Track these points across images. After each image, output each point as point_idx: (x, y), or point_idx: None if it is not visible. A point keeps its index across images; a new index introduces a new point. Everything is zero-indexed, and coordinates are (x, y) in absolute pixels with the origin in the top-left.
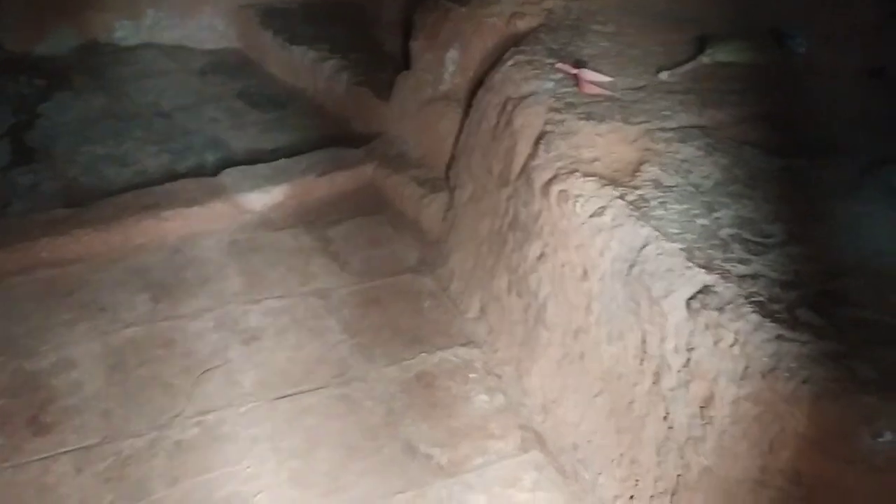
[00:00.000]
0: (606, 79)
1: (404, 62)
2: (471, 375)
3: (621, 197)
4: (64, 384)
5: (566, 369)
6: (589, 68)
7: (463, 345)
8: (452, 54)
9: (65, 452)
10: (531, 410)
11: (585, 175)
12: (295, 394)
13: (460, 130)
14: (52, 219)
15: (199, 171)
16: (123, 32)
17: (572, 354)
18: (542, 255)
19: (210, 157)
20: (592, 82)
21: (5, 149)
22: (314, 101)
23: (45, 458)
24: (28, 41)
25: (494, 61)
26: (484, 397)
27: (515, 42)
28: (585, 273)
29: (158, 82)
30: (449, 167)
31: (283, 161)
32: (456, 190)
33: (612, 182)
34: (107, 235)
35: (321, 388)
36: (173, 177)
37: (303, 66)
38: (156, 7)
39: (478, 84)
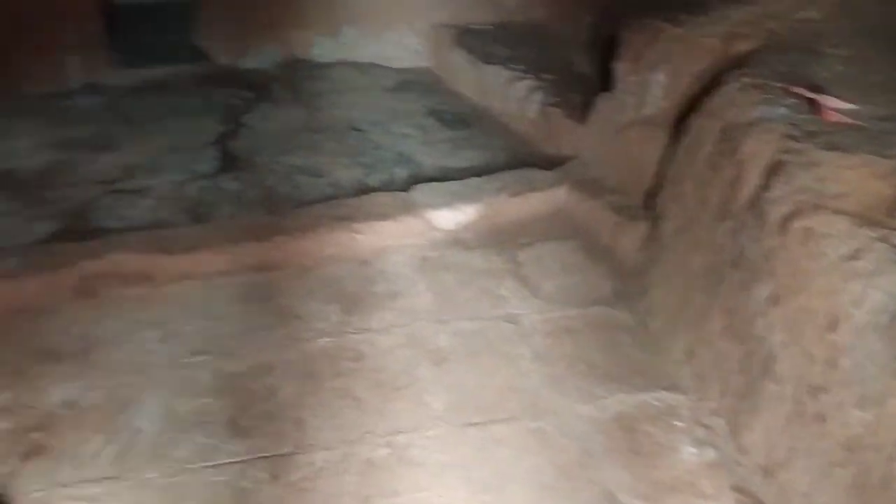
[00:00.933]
0: (850, 106)
1: (599, 84)
2: (676, 423)
3: (882, 239)
4: (261, 388)
5: (797, 430)
6: (828, 94)
7: (665, 388)
8: (659, 76)
9: (261, 458)
10: (749, 471)
11: (835, 212)
12: (486, 422)
13: (665, 157)
14: (255, 225)
15: (389, 186)
16: (321, 49)
17: (807, 414)
18: (773, 298)
19: (400, 173)
20: (835, 109)
21: (214, 156)
22: (504, 121)
23: (242, 461)
24: (235, 55)
25: (709, 85)
26: (692, 449)
27: (734, 64)
28: (833, 323)
29: (352, 98)
30: (650, 195)
31: (474, 179)
32: (660, 220)
33: (868, 221)
34: (303, 244)
35: (513, 418)
36: (364, 190)
37: (494, 86)
38: (352, 25)
39: (688, 109)
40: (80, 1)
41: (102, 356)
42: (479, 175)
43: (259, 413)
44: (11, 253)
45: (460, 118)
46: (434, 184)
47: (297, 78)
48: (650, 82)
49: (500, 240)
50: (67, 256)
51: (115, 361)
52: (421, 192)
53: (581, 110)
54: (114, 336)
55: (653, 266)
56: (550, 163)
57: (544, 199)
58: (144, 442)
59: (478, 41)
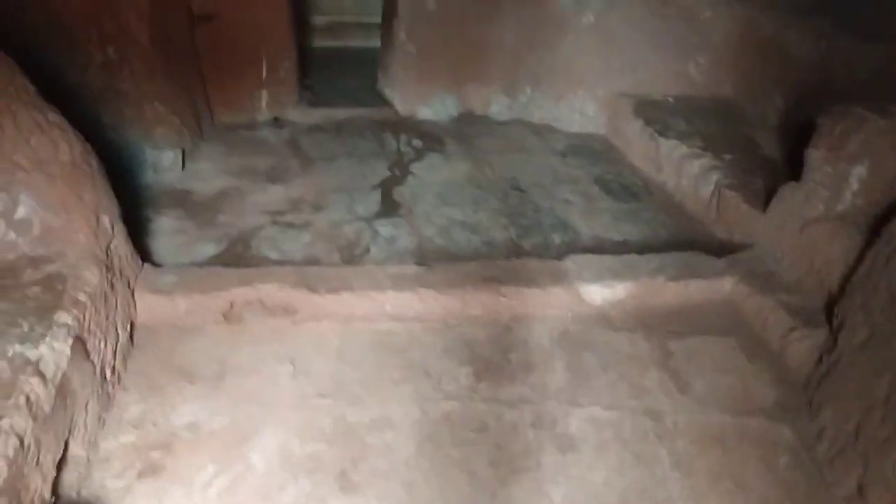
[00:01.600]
0: None
1: (787, 171)
2: None
3: None
4: (378, 443)
5: None
6: None
7: None
8: (859, 170)
9: None
10: None
11: None
12: None
13: (858, 261)
14: (402, 273)
15: (543, 252)
16: (498, 107)
17: None
18: None
19: (556, 239)
20: None
21: (375, 199)
22: (673, 198)
23: None
24: (414, 105)
25: None
26: None
27: None
28: None
29: (521, 158)
30: (834, 301)
31: (632, 256)
32: (842, 330)
33: None
34: (447, 299)
35: None
36: (518, 252)
37: (668, 160)
38: (533, 87)
39: (888, 210)
40: (277, 42)
41: (234, 384)
42: (638, 251)
43: (371, 469)
44: (172, 271)
45: (628, 189)
46: (589, 255)
47: (470, 133)
48: (847, 176)
49: (651, 325)
50: (221, 281)
51: (244, 391)
52: (574, 262)
53: (762, 197)
54: (248, 365)
55: (827, 382)
56: (720, 249)
57: (708, 287)
58: (254, 479)
59: (657, 112)
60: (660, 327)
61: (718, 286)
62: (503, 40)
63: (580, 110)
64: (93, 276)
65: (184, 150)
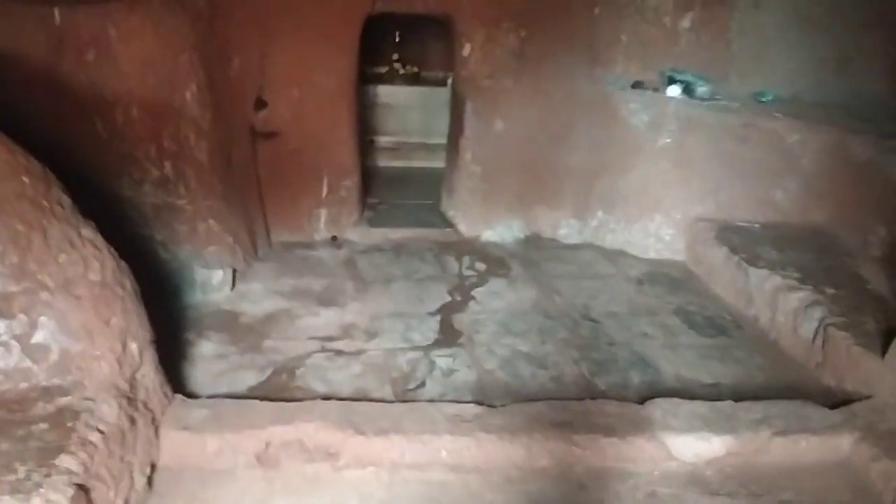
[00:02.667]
0: None
1: None
2: None
3: None
4: None
5: None
6: None
7: None
8: None
9: None
10: None
11: None
12: None
13: None
14: (460, 414)
15: (620, 392)
16: (567, 231)
17: None
18: None
19: (635, 378)
20: None
21: (433, 326)
22: (767, 335)
23: None
24: (478, 227)
25: None
26: None
27: None
28: None
29: (592, 285)
30: None
31: (727, 404)
32: None
33: None
34: (512, 448)
35: None
36: (591, 392)
37: (760, 292)
38: (606, 210)
39: None
40: (340, 160)
41: None
42: (733, 397)
43: None
44: (204, 405)
45: (714, 323)
46: (676, 400)
47: (537, 257)
48: None
49: (756, 490)
50: (257, 417)
51: None
52: (659, 408)
53: (877, 339)
54: None
55: None
56: (829, 398)
57: (820, 445)
58: None
59: (742, 239)
60: (767, 493)
61: (834, 444)
62: (574, 162)
63: (656, 235)
64: (110, 410)
65: (235, 269)
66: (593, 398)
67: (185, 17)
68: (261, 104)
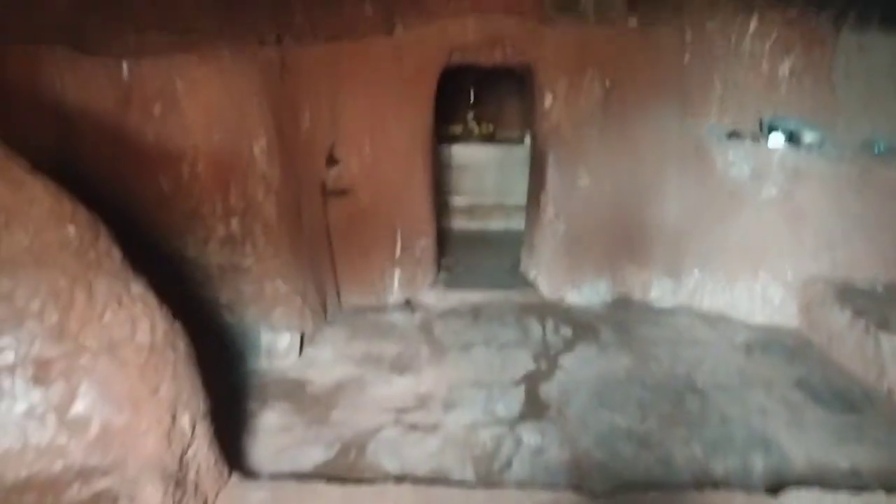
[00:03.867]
0: None
1: None
2: None
3: None
4: None
5: None
6: None
7: None
8: None
9: None
10: None
11: None
12: None
13: None
14: (554, 502)
15: (743, 478)
16: (660, 292)
17: None
18: None
19: (758, 462)
20: None
21: (518, 397)
22: None
23: None
24: (562, 288)
25: None
26: None
27: None
28: None
29: (694, 352)
30: None
31: (877, 496)
32: None
33: None
34: None
35: None
36: (707, 478)
37: (894, 362)
38: (702, 269)
39: None
40: (415, 218)
41: None
42: (883, 486)
43: None
44: (263, 486)
45: (842, 397)
46: (815, 491)
47: (628, 320)
48: None
49: None
50: (321, 502)
51: None
52: (796, 499)
53: None
54: None
55: None
56: None
57: None
58: None
59: (867, 301)
60: None
61: None
62: (665, 217)
63: (763, 297)
64: (154, 494)
65: (303, 333)
66: (715, 487)
67: (254, 68)
68: (332, 161)
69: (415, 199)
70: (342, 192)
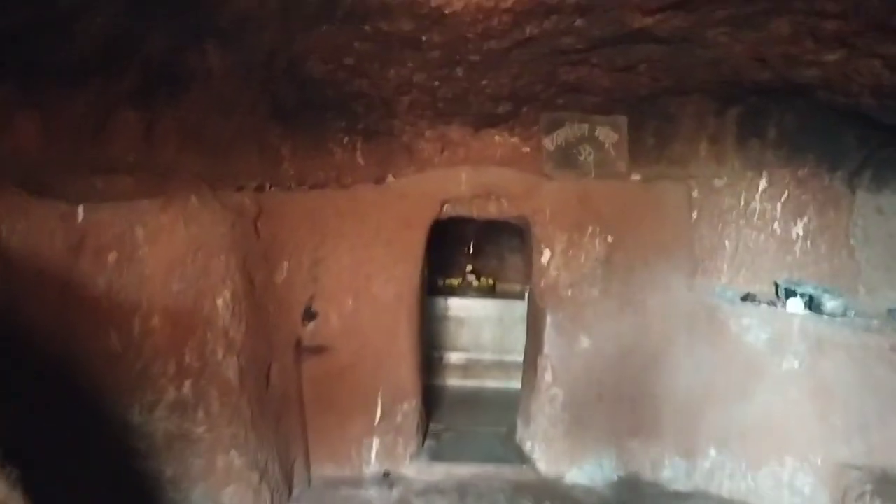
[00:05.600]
0: None
1: None
2: None
3: None
4: None
5: None
6: None
7: None
8: None
9: None
10: None
11: None
12: None
13: None
14: None
15: None
16: (673, 473)
17: None
18: None
19: None
20: None
21: None
22: None
23: None
24: (561, 464)
25: None
26: None
27: None
28: None
29: None
30: None
31: None
32: None
33: None
34: None
35: None
36: None
37: None
38: (719, 448)
39: None
40: (398, 380)
41: None
42: None
43: None
44: None
45: None
46: None
47: None
48: None
49: None
50: None
51: None
52: None
53: None
54: None
55: None
56: None
57: None
58: None
59: None
60: None
61: None
62: (675, 385)
63: (790, 485)
64: None
65: None
66: None
67: (224, 215)
68: (310, 315)
69: (399, 359)
70: (319, 350)
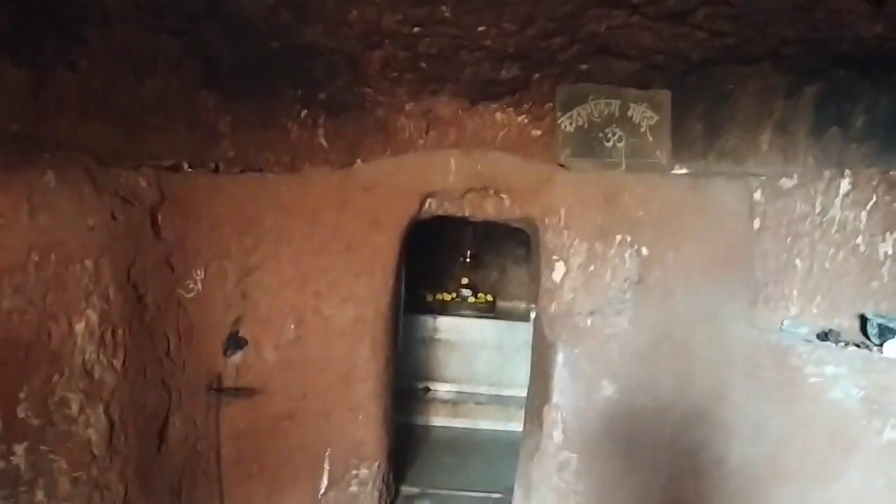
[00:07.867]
0: None
1: None
2: None
3: None
4: None
5: None
6: None
7: None
8: None
9: None
10: None
11: None
12: None
13: None
14: None
15: None
16: None
17: None
18: None
19: None
20: None
21: None
22: None
23: None
24: None
25: None
26: None
27: None
28: None
29: None
30: None
31: None
32: None
33: None
34: None
35: None
36: None
37: None
38: None
39: None
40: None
41: None
42: None
43: None
44: None
45: None
46: None
47: None
48: None
49: None
50: None
51: None
52: None
53: None
54: None
55: None
56: None
57: None
58: None
59: None
60: None
61: None
62: (730, 454)
63: None
64: None
65: None
66: None
67: (98, 203)
68: (236, 343)
69: (357, 407)
70: (246, 393)
